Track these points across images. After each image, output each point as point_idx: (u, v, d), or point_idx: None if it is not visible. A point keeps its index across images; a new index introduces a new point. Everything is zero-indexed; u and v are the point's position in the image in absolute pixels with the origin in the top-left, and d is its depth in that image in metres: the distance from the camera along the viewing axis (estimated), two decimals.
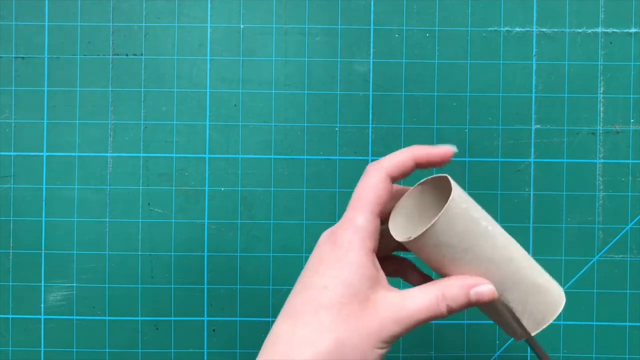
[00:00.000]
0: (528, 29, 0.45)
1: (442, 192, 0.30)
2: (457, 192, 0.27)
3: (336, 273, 0.25)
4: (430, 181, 0.30)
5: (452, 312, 0.26)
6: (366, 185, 0.27)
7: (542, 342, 0.45)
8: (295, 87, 0.45)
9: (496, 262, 0.27)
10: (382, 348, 0.25)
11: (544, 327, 0.28)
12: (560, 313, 0.29)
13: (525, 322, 0.28)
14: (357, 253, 0.25)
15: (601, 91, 0.45)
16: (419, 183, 0.30)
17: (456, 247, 0.26)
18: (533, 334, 0.28)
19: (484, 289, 0.26)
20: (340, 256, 0.25)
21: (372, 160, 0.45)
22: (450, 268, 0.27)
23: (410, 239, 0.27)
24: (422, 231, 0.26)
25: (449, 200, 0.26)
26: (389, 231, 0.29)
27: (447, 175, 0.28)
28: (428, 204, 0.30)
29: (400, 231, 0.29)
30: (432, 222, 0.26)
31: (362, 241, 0.26)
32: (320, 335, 0.24)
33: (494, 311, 0.29)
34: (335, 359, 0.24)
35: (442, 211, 0.26)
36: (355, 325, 0.24)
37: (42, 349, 0.45)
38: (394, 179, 0.28)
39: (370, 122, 0.45)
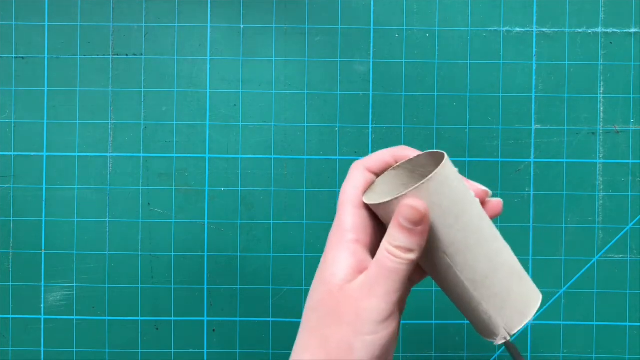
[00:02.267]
0: (528, 29, 0.45)
1: (421, 173, 0.28)
2: (448, 158, 0.25)
3: (319, 274, 0.26)
4: (410, 162, 0.28)
5: (413, 252, 0.24)
6: (347, 181, 0.28)
7: (543, 342, 0.45)
8: (295, 87, 0.45)
9: (485, 236, 0.25)
10: (373, 333, 0.24)
11: (525, 323, 0.26)
12: (539, 311, 0.26)
13: (507, 313, 0.26)
14: (335, 249, 0.26)
15: (601, 91, 0.45)
16: (398, 164, 0.29)
17: (447, 212, 0.24)
18: (513, 332, 0.26)
19: (404, 208, 0.24)
20: (325, 256, 0.27)
21: None
22: (436, 235, 0.25)
23: (400, 194, 0.24)
24: (416, 186, 0.24)
25: (444, 159, 0.25)
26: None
27: (442, 151, 0.27)
28: (401, 187, 0.29)
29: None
30: (427, 177, 0.24)
31: (342, 235, 0.27)
32: (310, 336, 0.25)
33: (473, 301, 0.26)
34: (327, 356, 0.24)
35: (439, 167, 0.24)
36: (334, 319, 0.25)
37: (42, 349, 0.45)
38: (376, 174, 0.29)
39: (370, 122, 0.45)
